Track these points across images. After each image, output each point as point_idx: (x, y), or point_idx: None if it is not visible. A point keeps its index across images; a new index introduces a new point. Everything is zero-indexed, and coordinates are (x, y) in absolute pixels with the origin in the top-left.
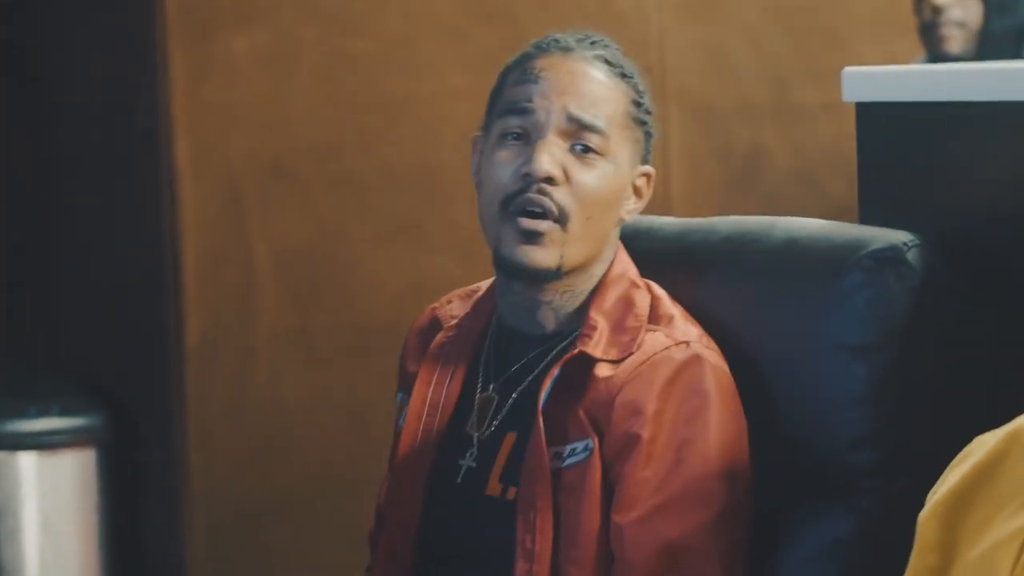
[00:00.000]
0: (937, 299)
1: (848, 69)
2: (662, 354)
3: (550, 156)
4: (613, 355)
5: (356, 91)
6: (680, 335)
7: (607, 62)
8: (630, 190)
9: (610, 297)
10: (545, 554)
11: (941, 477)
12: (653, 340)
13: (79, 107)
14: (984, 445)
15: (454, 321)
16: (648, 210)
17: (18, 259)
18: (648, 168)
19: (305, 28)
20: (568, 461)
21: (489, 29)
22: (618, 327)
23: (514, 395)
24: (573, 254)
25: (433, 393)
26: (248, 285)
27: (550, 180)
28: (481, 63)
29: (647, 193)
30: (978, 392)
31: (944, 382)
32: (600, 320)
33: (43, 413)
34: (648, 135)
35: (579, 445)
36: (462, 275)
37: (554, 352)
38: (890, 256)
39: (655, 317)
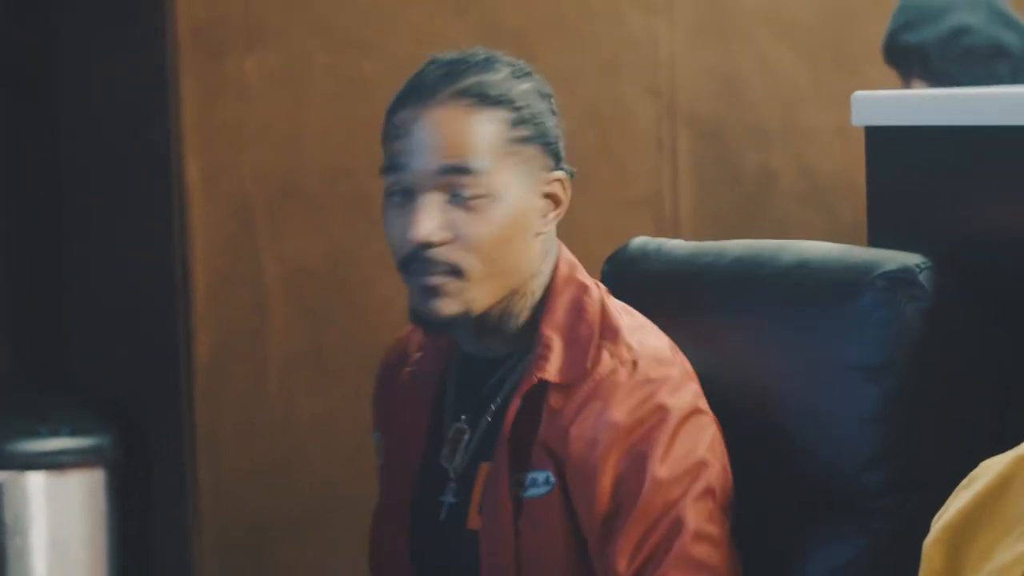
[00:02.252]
0: (949, 321)
1: (858, 93)
2: (609, 379)
3: (428, 218)
4: (569, 377)
5: (367, 112)
6: (626, 353)
7: (469, 95)
8: (539, 204)
9: (560, 306)
10: None
11: (947, 501)
12: (608, 363)
13: (90, 126)
14: (990, 470)
15: (418, 354)
16: (657, 233)
17: (28, 278)
18: (557, 174)
19: (316, 50)
20: (530, 492)
21: (500, 51)
22: (571, 341)
23: (481, 424)
24: (482, 296)
25: (406, 428)
26: (259, 305)
27: (430, 245)
28: None
29: (566, 196)
30: (987, 415)
31: (954, 404)
32: (553, 337)
33: (53, 433)
34: (547, 143)
35: (540, 476)
36: None
37: (514, 375)
38: (903, 278)
39: (605, 328)
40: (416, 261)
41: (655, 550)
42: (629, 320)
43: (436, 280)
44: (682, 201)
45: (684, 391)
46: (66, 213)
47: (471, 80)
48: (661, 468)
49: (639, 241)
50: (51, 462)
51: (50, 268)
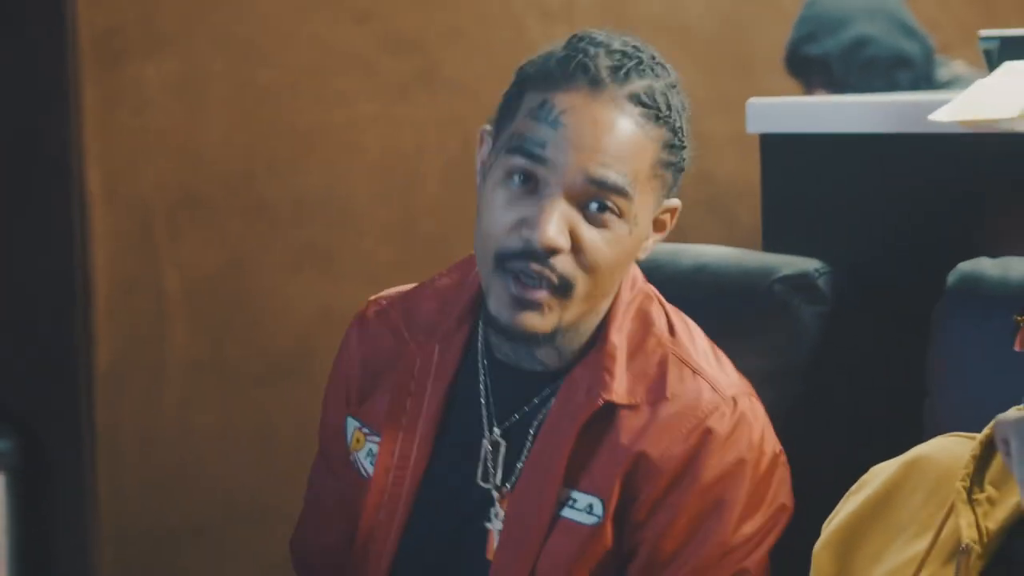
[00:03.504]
0: (846, 326)
1: (752, 100)
2: (709, 413)
3: (558, 223)
4: (638, 397)
5: (267, 120)
6: (725, 386)
7: (641, 103)
8: (649, 231)
9: (626, 314)
10: None
11: (837, 506)
12: (693, 389)
13: None
14: (879, 475)
15: (416, 341)
16: None
17: None
18: (675, 202)
19: (216, 57)
20: (567, 512)
21: (400, 59)
22: (637, 352)
23: (521, 442)
24: (573, 317)
25: (409, 430)
26: (159, 313)
27: (554, 251)
28: (392, 93)
29: (670, 225)
30: (877, 420)
31: (847, 408)
32: (618, 349)
33: None
34: (678, 171)
35: (583, 500)
36: None
37: (558, 389)
38: (800, 282)
39: (683, 351)
40: (522, 261)
41: None
42: (696, 336)
43: (540, 296)
44: None
45: (771, 431)
46: None
47: (644, 83)
48: (746, 524)
49: None
50: None
51: None
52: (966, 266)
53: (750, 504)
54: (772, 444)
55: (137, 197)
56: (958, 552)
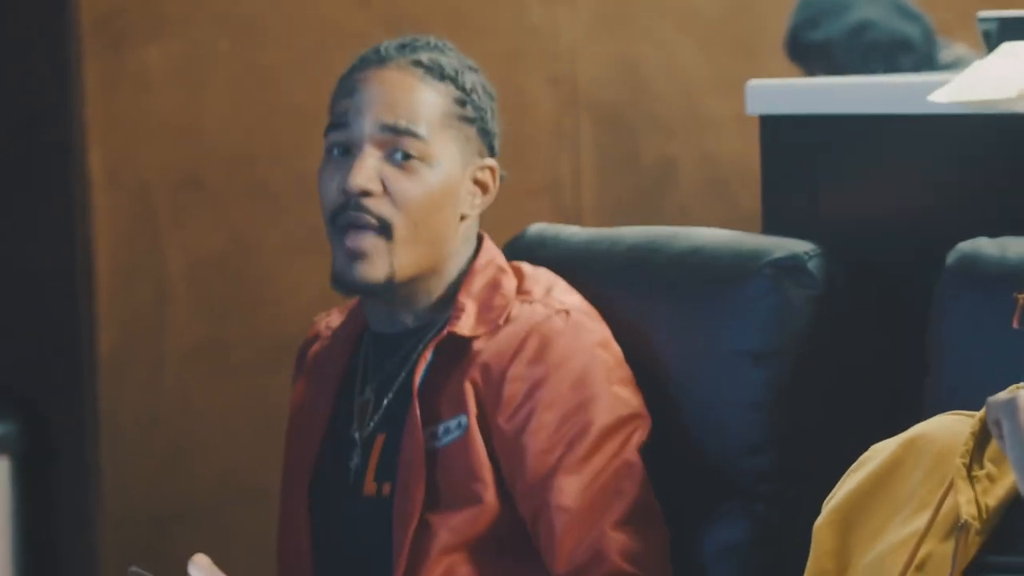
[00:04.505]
0: (836, 308)
1: (752, 82)
2: (546, 324)
3: (365, 169)
4: (483, 331)
5: (269, 102)
6: (558, 304)
7: (423, 66)
8: (468, 186)
9: (477, 283)
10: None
11: (838, 484)
12: (531, 311)
13: None
14: (880, 453)
15: (328, 332)
16: (559, 220)
17: None
18: (489, 161)
19: (218, 39)
20: (443, 440)
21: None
22: (485, 306)
23: (389, 394)
24: (405, 263)
25: (310, 404)
26: (161, 295)
27: (366, 193)
28: None
29: (493, 186)
30: (876, 400)
31: (842, 389)
32: (468, 303)
33: None
34: (484, 131)
35: (452, 423)
36: None
37: (423, 342)
38: (791, 265)
39: (524, 290)
40: (346, 212)
41: (612, 494)
42: (552, 280)
43: (364, 241)
44: (583, 189)
45: (611, 345)
46: None
47: (426, 54)
48: (603, 414)
49: (537, 228)
50: None
51: None
52: (965, 246)
53: (608, 404)
54: (618, 355)
55: (139, 180)
56: (957, 528)
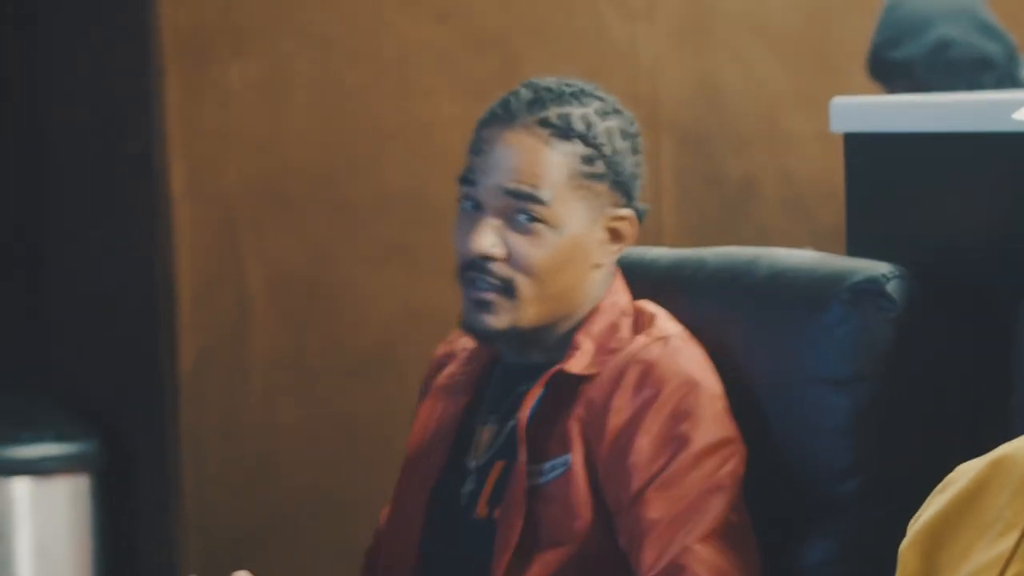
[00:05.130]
0: (917, 330)
1: (836, 99)
2: (643, 352)
3: (486, 235)
4: (595, 371)
5: (349, 117)
6: (658, 332)
7: (550, 125)
8: (600, 237)
9: (598, 324)
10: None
11: (923, 505)
12: (633, 343)
13: (74, 132)
14: (965, 474)
15: (464, 354)
16: (641, 240)
17: (11, 284)
18: (625, 211)
19: (299, 55)
20: (547, 476)
21: (482, 57)
22: (602, 348)
23: (508, 424)
24: (529, 316)
25: (436, 423)
26: (242, 309)
27: (487, 259)
28: (474, 91)
29: (631, 232)
30: (960, 421)
31: (926, 411)
32: (585, 341)
33: (37, 439)
34: (619, 182)
35: (558, 461)
36: (453, 298)
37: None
38: (869, 288)
39: (638, 326)
40: (471, 271)
41: (698, 511)
42: (663, 312)
43: (488, 295)
44: (665, 208)
45: (713, 375)
46: (50, 217)
47: (555, 110)
48: (700, 435)
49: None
50: (36, 468)
51: (34, 274)
52: None
53: (703, 428)
54: (715, 381)
55: (220, 195)
56: None
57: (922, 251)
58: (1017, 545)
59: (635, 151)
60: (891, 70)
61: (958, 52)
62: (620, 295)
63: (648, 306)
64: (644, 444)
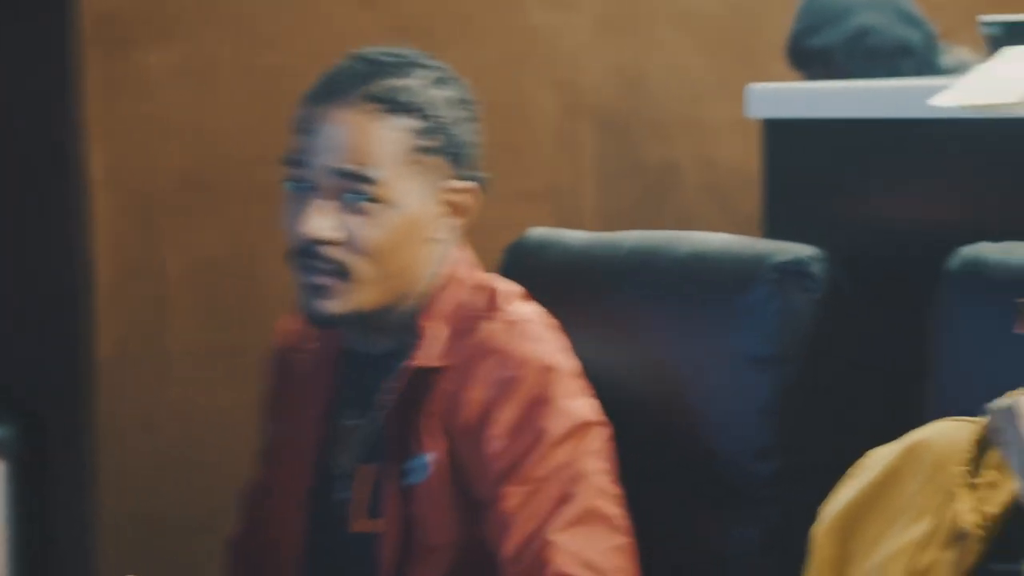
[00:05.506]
0: (840, 312)
1: (752, 85)
2: (490, 340)
3: (319, 217)
4: (450, 361)
5: (272, 105)
6: (508, 316)
7: (378, 100)
8: (438, 212)
9: (445, 304)
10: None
11: (836, 490)
12: (488, 328)
13: None
14: (878, 459)
15: (316, 344)
16: (561, 225)
17: None
18: (465, 183)
19: (221, 42)
20: (412, 478)
21: (406, 43)
22: (455, 331)
23: (371, 422)
24: (368, 298)
25: (302, 422)
26: (161, 298)
27: (320, 242)
28: None
29: (472, 204)
30: (877, 404)
31: (846, 393)
32: (433, 327)
33: None
34: (456, 153)
35: (417, 463)
36: None
37: (396, 369)
38: (795, 269)
39: (489, 306)
40: (305, 256)
41: (557, 501)
42: (511, 293)
43: (322, 279)
44: (584, 194)
45: (566, 356)
46: None
47: (384, 84)
48: (554, 423)
49: (536, 232)
50: None
51: None
52: (967, 251)
53: (556, 411)
54: (570, 364)
55: (140, 183)
56: (957, 537)
57: (839, 236)
58: (930, 531)
59: (470, 119)
60: (810, 58)
61: (877, 40)
62: (466, 270)
63: (498, 283)
64: (499, 436)
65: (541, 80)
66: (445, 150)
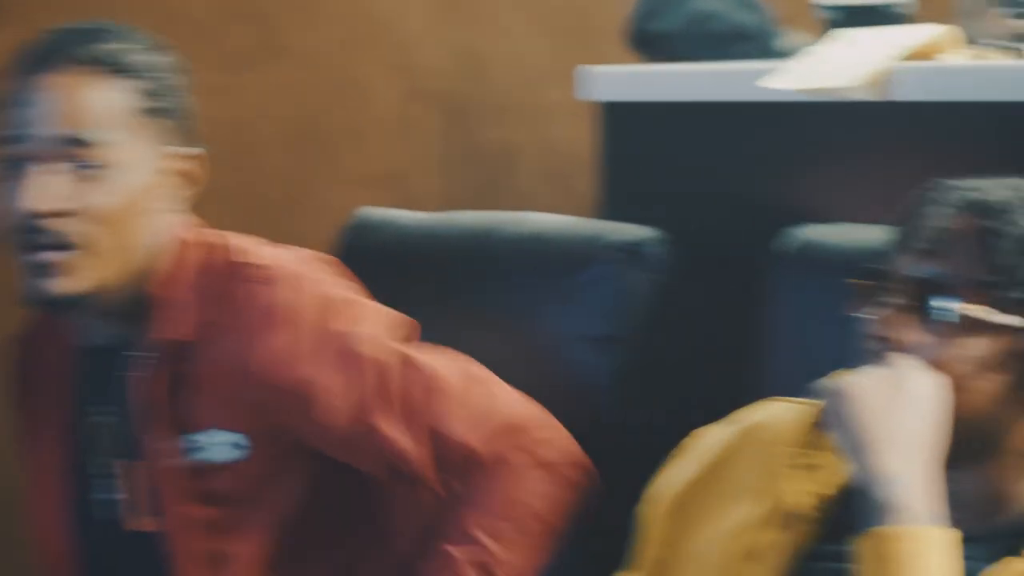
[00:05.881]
0: (675, 292)
1: (587, 68)
2: (252, 299)
3: (43, 188)
4: (211, 325)
5: None
6: (257, 273)
7: (102, 63)
8: (169, 179)
9: (181, 269)
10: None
11: (663, 470)
12: (238, 289)
13: None
14: (709, 440)
15: (45, 344)
16: (402, 208)
17: None
18: (191, 151)
19: (53, 24)
20: (205, 454)
21: (243, 28)
22: (205, 296)
23: (120, 416)
24: (105, 272)
25: (41, 434)
26: None
27: (47, 214)
28: (235, 62)
29: (200, 175)
30: (713, 383)
31: (682, 372)
32: (173, 297)
33: None
34: (182, 119)
35: (209, 437)
36: None
37: (138, 353)
38: (631, 249)
39: (236, 264)
40: (25, 233)
41: (418, 405)
42: (259, 249)
43: (51, 256)
44: (426, 177)
45: (333, 283)
46: None
47: (104, 47)
48: (369, 345)
49: (370, 212)
50: None
51: None
52: (799, 232)
53: (359, 330)
54: (341, 287)
55: None
56: (790, 518)
57: (675, 217)
58: (763, 513)
59: (188, 90)
60: (650, 42)
61: (715, 24)
62: (192, 233)
63: (230, 237)
64: (321, 381)
65: (381, 64)
66: (171, 114)
